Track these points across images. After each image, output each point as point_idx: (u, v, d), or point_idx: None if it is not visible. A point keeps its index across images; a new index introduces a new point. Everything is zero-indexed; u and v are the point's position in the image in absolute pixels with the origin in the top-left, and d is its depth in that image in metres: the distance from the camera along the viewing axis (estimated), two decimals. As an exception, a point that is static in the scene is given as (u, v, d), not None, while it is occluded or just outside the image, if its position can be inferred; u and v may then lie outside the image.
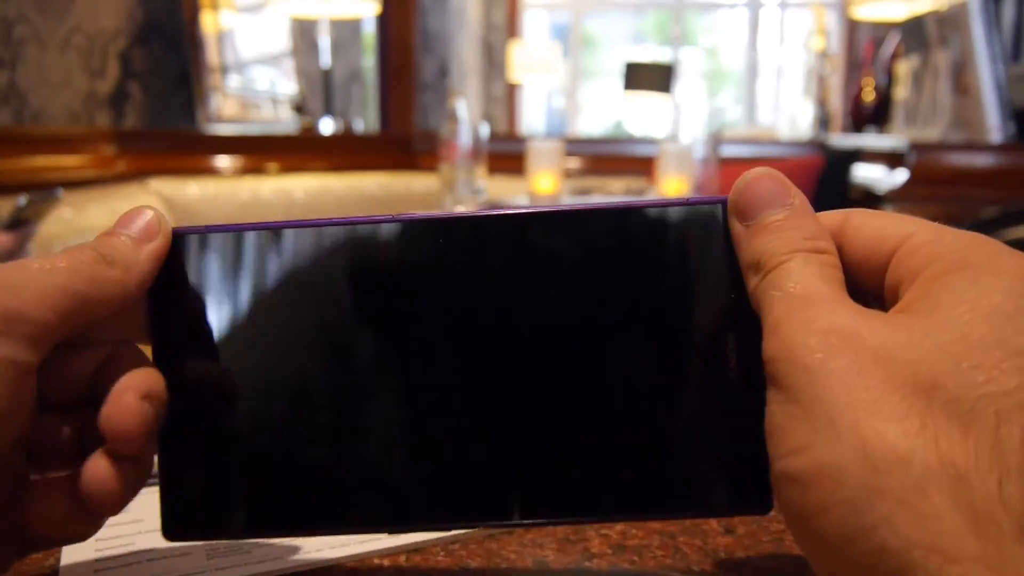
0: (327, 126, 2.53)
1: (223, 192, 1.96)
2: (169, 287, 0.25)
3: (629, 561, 0.28)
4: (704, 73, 5.68)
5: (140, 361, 0.24)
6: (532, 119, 5.20)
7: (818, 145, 2.42)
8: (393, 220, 0.25)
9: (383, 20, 3.23)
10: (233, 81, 2.27)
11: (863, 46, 3.23)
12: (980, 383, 0.18)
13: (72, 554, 0.29)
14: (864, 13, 3.03)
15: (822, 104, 3.28)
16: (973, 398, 0.18)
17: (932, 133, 2.07)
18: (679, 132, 4.80)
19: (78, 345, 0.24)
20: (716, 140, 1.82)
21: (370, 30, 3.36)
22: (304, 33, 2.79)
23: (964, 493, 0.17)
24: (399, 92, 3.31)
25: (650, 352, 0.24)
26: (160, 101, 2.11)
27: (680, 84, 4.35)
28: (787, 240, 0.22)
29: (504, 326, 0.24)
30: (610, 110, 5.56)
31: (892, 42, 2.55)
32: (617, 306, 0.24)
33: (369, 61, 3.41)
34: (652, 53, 5.53)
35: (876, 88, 2.66)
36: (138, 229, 0.24)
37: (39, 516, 0.23)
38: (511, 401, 0.24)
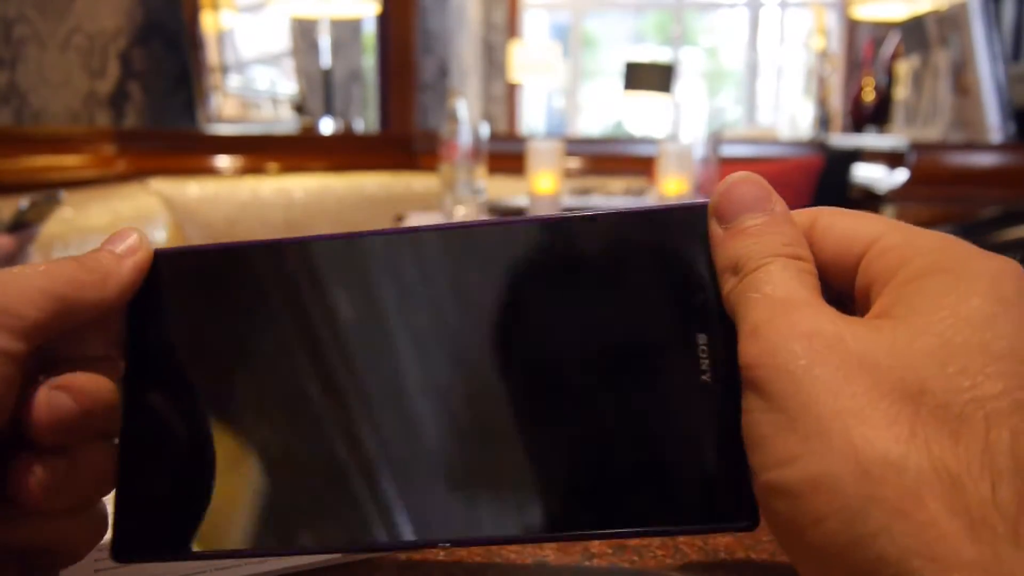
0: (327, 126, 2.54)
1: (223, 192, 1.96)
2: (148, 304, 0.25)
3: (629, 561, 0.28)
4: (704, 73, 5.69)
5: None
6: (532, 119, 5.20)
7: (818, 145, 2.41)
8: (380, 234, 0.24)
9: (383, 20, 3.23)
10: (233, 81, 2.27)
11: (863, 46, 3.23)
12: (966, 388, 0.18)
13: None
14: (864, 13, 3.04)
15: (822, 104, 3.28)
16: (960, 403, 0.18)
17: (932, 133, 2.07)
18: (679, 132, 4.80)
19: (59, 361, 0.23)
20: (716, 140, 1.82)
21: (370, 30, 3.36)
22: (304, 33, 2.79)
23: (959, 498, 0.17)
24: (399, 92, 3.31)
25: (625, 361, 0.23)
26: (160, 101, 2.11)
27: (680, 84, 4.35)
28: (767, 244, 0.22)
29: (478, 337, 0.24)
30: (610, 110, 5.56)
31: (892, 42, 2.55)
32: (594, 315, 0.23)
33: (369, 61, 3.41)
34: (652, 53, 5.53)
35: (876, 88, 2.66)
36: (121, 245, 0.25)
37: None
38: (476, 414, 0.24)
